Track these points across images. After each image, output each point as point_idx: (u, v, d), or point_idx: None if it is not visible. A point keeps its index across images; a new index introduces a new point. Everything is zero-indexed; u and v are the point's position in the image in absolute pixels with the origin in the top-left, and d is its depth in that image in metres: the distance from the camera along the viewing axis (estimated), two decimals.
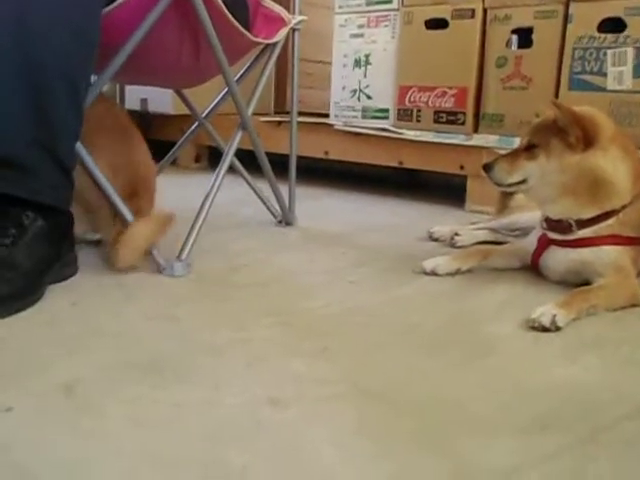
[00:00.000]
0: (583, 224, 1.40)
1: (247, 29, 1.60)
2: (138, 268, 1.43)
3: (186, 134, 2.10)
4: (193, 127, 2.06)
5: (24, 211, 1.21)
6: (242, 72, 1.92)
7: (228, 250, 1.67)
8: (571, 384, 0.98)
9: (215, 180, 1.57)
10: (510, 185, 1.48)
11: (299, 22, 1.83)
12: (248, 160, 1.97)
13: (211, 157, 3.19)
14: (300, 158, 2.81)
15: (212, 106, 2.00)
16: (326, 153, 2.71)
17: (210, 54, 1.49)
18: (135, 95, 3.12)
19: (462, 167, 2.32)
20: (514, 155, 1.47)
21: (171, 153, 2.15)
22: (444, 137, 2.34)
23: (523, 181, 1.45)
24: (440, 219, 2.16)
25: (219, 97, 1.95)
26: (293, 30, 1.87)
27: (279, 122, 2.83)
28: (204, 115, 2.02)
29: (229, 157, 1.62)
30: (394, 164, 2.52)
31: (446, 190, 2.62)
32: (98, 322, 1.14)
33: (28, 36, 1.11)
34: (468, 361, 1.05)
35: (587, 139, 1.36)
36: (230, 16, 1.45)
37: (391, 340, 1.12)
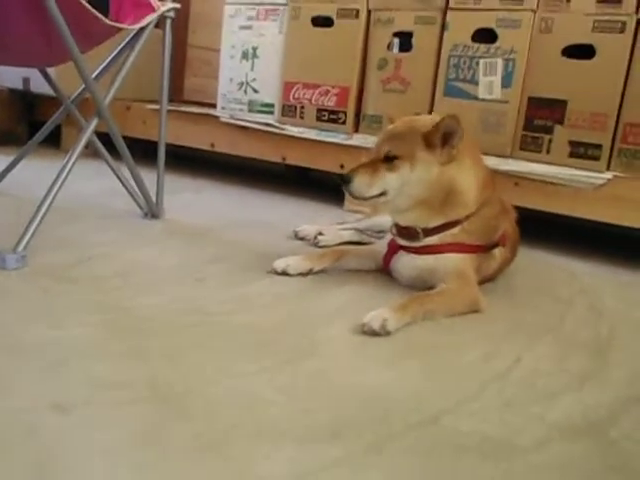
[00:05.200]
0: (429, 232, 1.43)
1: (105, 13, 1.54)
2: None
3: (52, 118, 2.00)
4: (59, 111, 1.97)
5: None
6: (111, 57, 1.85)
7: (79, 242, 1.61)
8: (379, 390, 0.99)
9: (64, 168, 1.50)
10: (370, 198, 1.43)
11: (169, 9, 1.77)
12: (137, 151, 1.90)
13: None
14: (187, 149, 2.77)
15: (79, 91, 1.92)
16: (212, 145, 2.66)
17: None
18: (17, 74, 2.97)
19: (342, 166, 2.32)
20: (373, 166, 1.42)
21: (36, 137, 2.04)
22: (325, 135, 2.34)
23: (383, 193, 1.42)
24: (316, 217, 2.16)
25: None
26: (165, 17, 1.81)
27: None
28: (71, 99, 1.93)
29: (81, 144, 1.55)
30: (278, 159, 2.50)
31: (331, 189, 2.63)
32: None
33: None
34: (284, 364, 1.04)
35: (451, 152, 1.38)
36: None
37: (213, 341, 1.10)
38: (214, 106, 2.76)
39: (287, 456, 0.78)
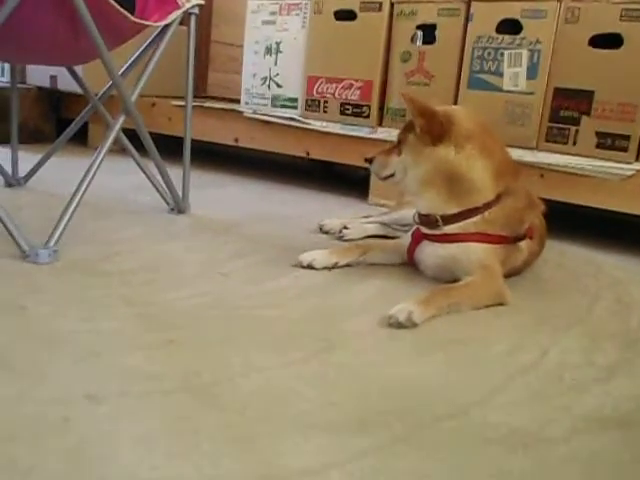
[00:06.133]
0: (448, 220, 1.43)
1: (132, 10, 1.55)
2: (2, 254, 1.38)
3: (79, 115, 2.04)
4: (87, 108, 2.01)
5: None
6: (137, 54, 1.88)
7: (108, 237, 1.63)
8: (406, 382, 0.99)
9: (92, 164, 1.52)
10: (385, 178, 1.54)
11: (194, 6, 1.79)
12: (162, 147, 1.93)
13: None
14: (212, 144, 2.79)
15: (106, 88, 1.94)
16: (236, 140, 2.68)
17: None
18: (44, 72, 3.01)
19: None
20: (390, 150, 1.53)
21: (64, 134, 2.08)
22: (349, 129, 2.34)
23: (392, 174, 1.51)
24: (341, 211, 2.17)
25: None
26: (189, 14, 1.82)
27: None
28: (98, 97, 1.96)
29: (109, 141, 1.57)
30: (301, 154, 2.51)
31: (355, 182, 2.63)
32: None
33: None
34: (312, 356, 1.05)
35: (435, 133, 1.40)
36: None
37: (242, 334, 1.11)
38: (238, 101, 2.78)
39: (315, 447, 0.79)
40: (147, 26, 1.66)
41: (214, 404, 0.87)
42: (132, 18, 1.54)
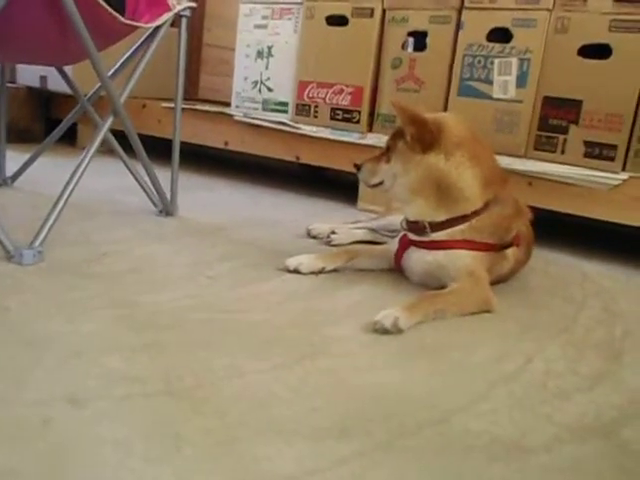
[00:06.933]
0: (436, 227, 1.43)
1: (122, 11, 1.55)
2: None
3: (68, 116, 2.03)
4: (75, 109, 2.00)
5: None
6: (127, 55, 1.87)
7: (94, 239, 1.62)
8: (389, 389, 0.99)
9: (79, 165, 1.51)
10: (374, 185, 1.54)
11: (185, 8, 1.79)
12: (151, 148, 1.92)
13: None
14: (202, 147, 2.78)
15: (95, 89, 1.94)
16: (226, 143, 2.67)
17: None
18: (34, 72, 3.00)
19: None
20: (378, 158, 1.52)
21: (53, 134, 2.06)
22: (339, 134, 2.35)
23: (381, 182, 1.51)
24: (330, 216, 2.17)
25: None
26: (180, 16, 1.82)
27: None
28: (87, 97, 1.95)
29: (97, 141, 1.56)
30: (291, 158, 2.51)
31: (345, 187, 2.63)
32: None
33: None
34: (295, 362, 1.04)
35: (425, 141, 1.40)
36: None
37: (226, 338, 1.11)
38: (229, 105, 2.77)
39: (296, 453, 0.79)
40: (137, 27, 1.66)
41: (195, 409, 0.86)
42: (122, 19, 1.53)
